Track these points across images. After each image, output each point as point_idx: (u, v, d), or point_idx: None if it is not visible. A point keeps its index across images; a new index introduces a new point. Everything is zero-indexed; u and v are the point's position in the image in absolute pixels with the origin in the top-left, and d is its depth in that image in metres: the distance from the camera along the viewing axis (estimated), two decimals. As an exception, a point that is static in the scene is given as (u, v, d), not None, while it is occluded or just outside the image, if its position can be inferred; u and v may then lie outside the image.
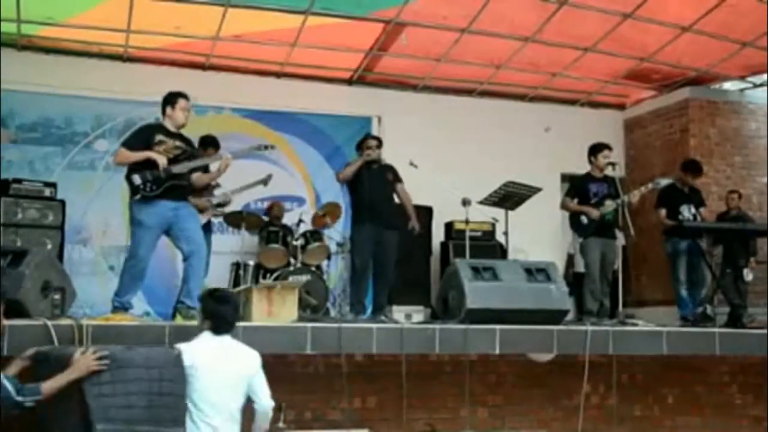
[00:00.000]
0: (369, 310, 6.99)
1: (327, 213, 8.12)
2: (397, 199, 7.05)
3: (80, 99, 8.38)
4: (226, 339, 4.22)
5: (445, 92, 9.75)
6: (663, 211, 7.68)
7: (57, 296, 4.93)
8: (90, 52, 8.44)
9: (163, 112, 5.77)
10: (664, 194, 7.69)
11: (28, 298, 4.66)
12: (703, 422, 6.78)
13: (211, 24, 7.92)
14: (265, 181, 6.51)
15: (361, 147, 7.00)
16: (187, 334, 4.46)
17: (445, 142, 9.16)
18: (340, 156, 9.09)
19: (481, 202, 7.36)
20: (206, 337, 4.18)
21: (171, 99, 5.75)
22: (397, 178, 7.02)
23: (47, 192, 7.36)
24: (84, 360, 3.79)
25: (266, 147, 6.07)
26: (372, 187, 6.74)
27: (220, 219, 8.05)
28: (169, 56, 8.65)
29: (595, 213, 7.05)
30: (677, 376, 6.74)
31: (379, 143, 7.00)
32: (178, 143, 5.70)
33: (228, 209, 7.83)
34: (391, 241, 6.78)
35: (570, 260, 9.04)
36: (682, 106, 9.66)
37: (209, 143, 7.17)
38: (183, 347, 4.11)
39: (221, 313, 4.20)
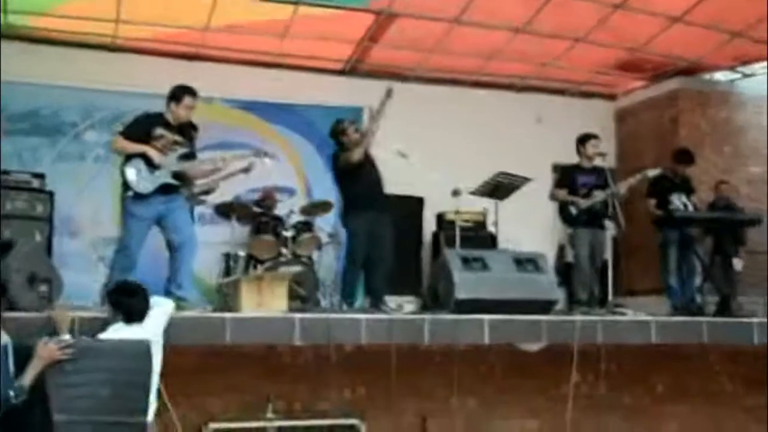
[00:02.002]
0: (358, 301, 6.98)
1: (318, 207, 8.13)
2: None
3: (69, 90, 8.31)
4: (136, 329, 4.34)
5: (436, 83, 9.72)
6: (653, 201, 7.70)
7: (44, 288, 4.92)
8: (79, 42, 8.37)
9: (167, 104, 5.73)
10: (655, 184, 7.71)
11: (14, 290, 4.65)
12: (693, 410, 6.82)
13: (201, 14, 7.88)
14: (246, 170, 6.50)
15: (344, 134, 6.79)
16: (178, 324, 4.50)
17: (435, 132, 9.13)
18: (331, 147, 9.05)
19: (472, 193, 7.36)
20: (118, 327, 4.34)
21: (177, 94, 5.71)
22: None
23: (36, 183, 7.30)
24: (46, 349, 3.91)
25: (265, 154, 6.08)
26: (366, 172, 6.67)
27: (211, 210, 8.04)
28: (160, 46, 8.60)
29: (583, 202, 7.07)
30: (667, 365, 6.77)
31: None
32: (177, 138, 5.69)
33: (218, 200, 7.83)
34: (386, 225, 6.67)
35: (561, 250, 9.05)
36: (672, 96, 9.66)
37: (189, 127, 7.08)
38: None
39: (130, 304, 4.39)
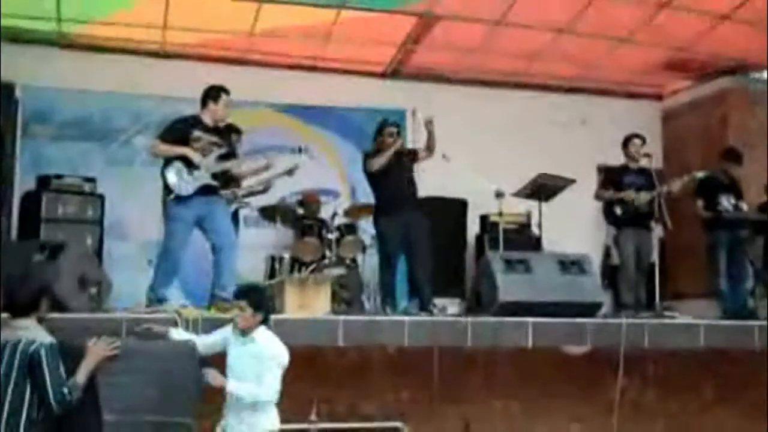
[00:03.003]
0: (402, 304, 6.98)
1: (362, 209, 8.18)
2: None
3: (119, 95, 8.49)
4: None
5: (480, 84, 9.68)
6: (700, 202, 7.56)
7: (94, 290, 5.04)
8: (128, 49, 8.55)
9: (204, 105, 5.80)
10: (703, 185, 7.57)
11: (65, 292, 4.77)
12: (743, 418, 6.66)
13: (246, 20, 7.99)
14: (290, 171, 6.57)
15: (381, 135, 6.78)
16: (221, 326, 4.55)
17: (479, 134, 9.10)
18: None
19: (514, 194, 7.33)
20: (266, 331, 4.35)
21: (214, 93, 5.78)
22: (414, 157, 6.85)
23: (87, 187, 7.48)
24: (98, 347, 3.92)
25: (300, 150, 6.12)
26: (396, 175, 6.65)
27: (255, 212, 8.14)
28: (206, 52, 8.74)
29: (631, 195, 6.98)
30: (717, 370, 6.63)
31: (398, 129, 6.87)
32: (215, 139, 5.76)
33: (263, 202, 7.92)
34: (420, 228, 6.63)
35: (607, 252, 8.95)
36: (720, 96, 9.47)
37: (232, 131, 7.15)
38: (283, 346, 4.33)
39: (270, 304, 4.49)
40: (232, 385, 4.20)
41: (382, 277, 6.76)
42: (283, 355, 4.32)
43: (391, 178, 6.64)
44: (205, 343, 4.47)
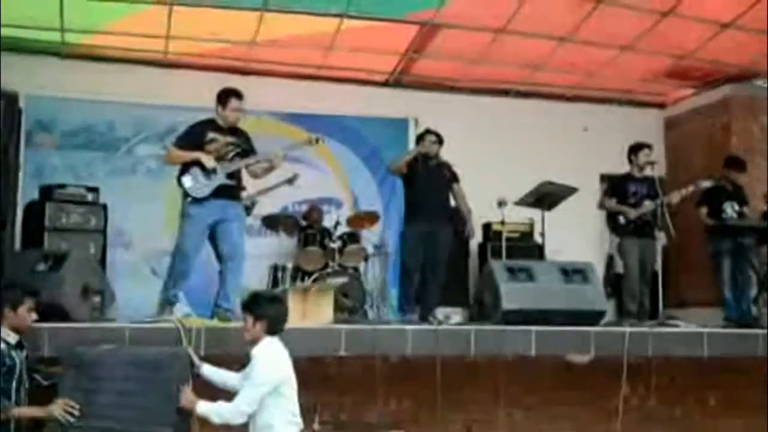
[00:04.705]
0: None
1: (365, 219, 8.20)
2: (452, 201, 7.00)
3: (122, 105, 8.53)
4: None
5: (482, 93, 9.71)
6: (704, 210, 7.55)
7: (97, 299, 5.05)
8: (131, 58, 8.58)
9: (216, 108, 5.85)
10: (706, 192, 7.56)
11: (68, 301, 4.77)
12: (746, 426, 6.64)
13: (248, 29, 8.01)
14: (291, 181, 6.55)
15: (418, 142, 7.02)
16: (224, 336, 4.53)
17: (482, 143, 9.12)
18: (378, 158, 9.13)
19: (517, 203, 7.33)
20: (271, 341, 4.18)
21: (223, 98, 5.83)
22: (454, 177, 6.96)
23: (90, 197, 7.49)
24: (56, 408, 3.98)
25: (317, 140, 6.13)
26: (427, 183, 6.73)
27: (258, 222, 8.15)
28: (208, 61, 8.76)
29: (632, 213, 6.98)
30: (720, 378, 6.60)
31: (439, 140, 6.94)
32: (230, 139, 5.80)
33: (265, 212, 7.93)
34: (443, 237, 6.71)
35: (610, 261, 8.94)
36: (723, 104, 9.48)
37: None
38: (273, 360, 4.14)
39: (278, 313, 4.25)
40: (202, 407, 4.01)
41: (405, 283, 6.81)
42: (263, 381, 4.03)
43: (419, 185, 6.74)
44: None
